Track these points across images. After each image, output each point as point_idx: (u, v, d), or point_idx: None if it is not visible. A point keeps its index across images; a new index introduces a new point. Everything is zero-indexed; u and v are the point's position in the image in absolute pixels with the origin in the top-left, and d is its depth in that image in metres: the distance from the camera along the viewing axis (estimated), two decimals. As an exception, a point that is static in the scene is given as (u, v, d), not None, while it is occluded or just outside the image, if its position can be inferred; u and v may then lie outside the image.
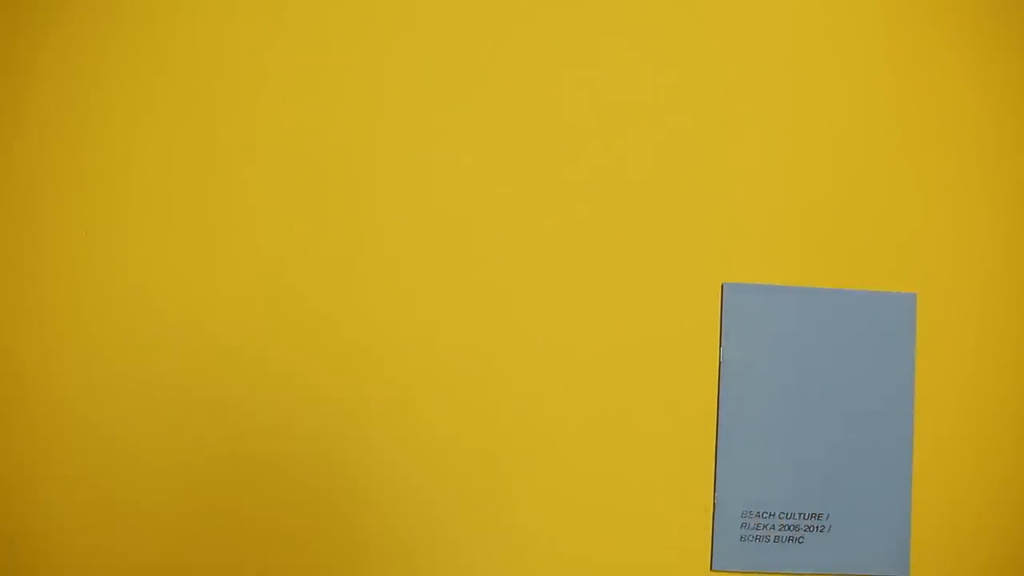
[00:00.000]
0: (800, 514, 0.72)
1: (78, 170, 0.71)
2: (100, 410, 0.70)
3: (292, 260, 0.71)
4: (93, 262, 0.70)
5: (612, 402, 0.72)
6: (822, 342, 0.72)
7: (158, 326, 0.70)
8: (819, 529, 0.72)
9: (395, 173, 0.72)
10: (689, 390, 0.72)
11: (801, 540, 0.71)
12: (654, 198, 0.73)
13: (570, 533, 0.71)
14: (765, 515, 0.71)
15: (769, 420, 0.72)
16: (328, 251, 0.71)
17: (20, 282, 0.70)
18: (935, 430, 0.73)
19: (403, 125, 0.72)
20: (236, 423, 0.70)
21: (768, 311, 0.72)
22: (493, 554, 0.71)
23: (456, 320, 0.71)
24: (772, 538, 0.71)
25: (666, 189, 0.73)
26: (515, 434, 0.71)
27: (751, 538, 0.71)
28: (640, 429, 0.72)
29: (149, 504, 0.69)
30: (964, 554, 0.73)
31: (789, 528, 0.71)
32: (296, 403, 0.70)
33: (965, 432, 0.73)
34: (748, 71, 0.74)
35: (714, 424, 0.72)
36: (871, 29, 0.75)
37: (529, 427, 0.71)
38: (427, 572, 0.70)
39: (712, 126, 0.74)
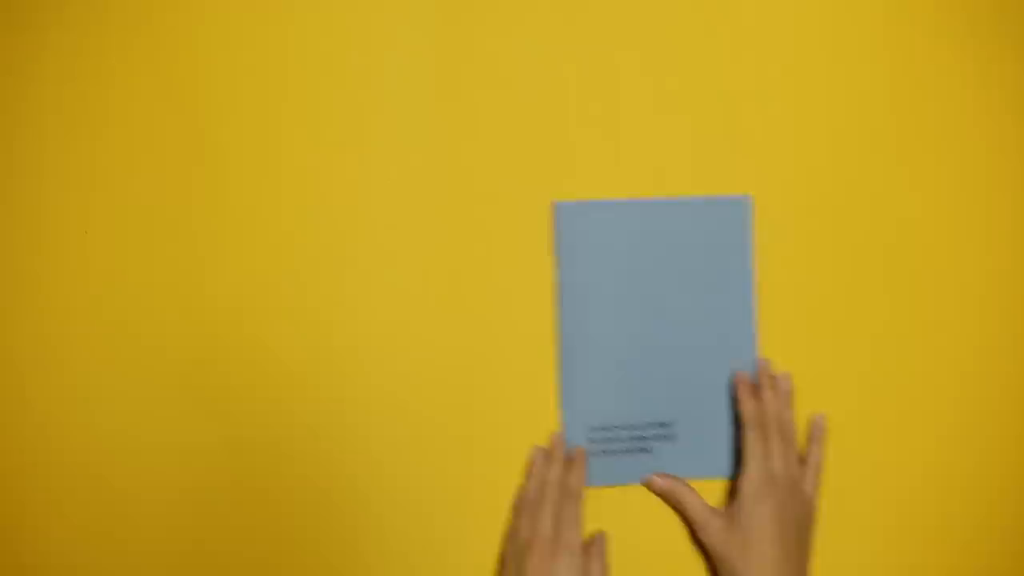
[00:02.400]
0: (647, 424, 0.71)
1: (78, 170, 0.71)
2: (100, 410, 0.70)
3: (290, 261, 0.71)
4: (93, 262, 0.70)
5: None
6: (657, 253, 0.72)
7: (158, 326, 0.70)
8: (667, 438, 0.72)
9: (395, 174, 0.72)
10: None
11: (650, 450, 0.71)
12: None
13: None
14: (612, 429, 0.71)
15: (610, 336, 0.71)
16: (326, 252, 0.71)
17: (20, 282, 0.70)
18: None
19: (403, 126, 0.72)
20: (235, 423, 0.70)
21: (601, 227, 0.72)
22: (492, 553, 0.71)
23: (455, 320, 0.71)
24: (622, 450, 0.71)
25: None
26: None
27: (600, 453, 0.71)
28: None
29: (148, 504, 0.69)
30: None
31: (638, 439, 0.71)
32: (295, 403, 0.70)
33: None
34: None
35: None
36: (871, 29, 0.75)
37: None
38: (425, 570, 0.70)
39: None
